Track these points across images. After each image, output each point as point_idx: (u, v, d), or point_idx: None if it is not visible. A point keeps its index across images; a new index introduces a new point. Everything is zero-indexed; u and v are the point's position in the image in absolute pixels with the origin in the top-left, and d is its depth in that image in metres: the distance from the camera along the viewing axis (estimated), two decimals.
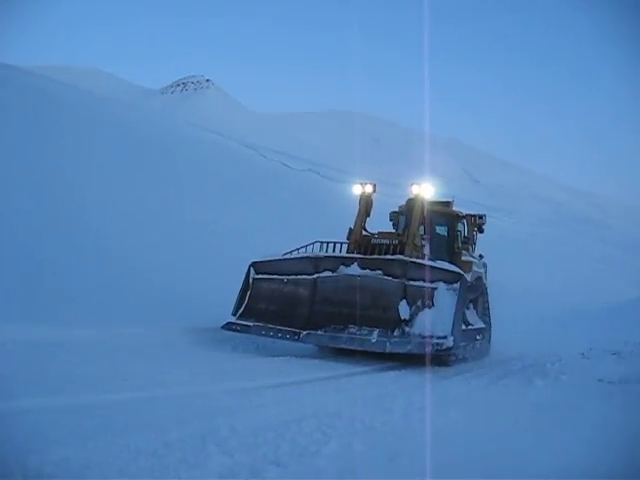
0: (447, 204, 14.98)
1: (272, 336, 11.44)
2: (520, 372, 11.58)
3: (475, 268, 14.29)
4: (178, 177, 29.27)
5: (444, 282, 10.85)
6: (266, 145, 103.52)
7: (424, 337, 10.42)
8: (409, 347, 10.49)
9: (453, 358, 11.90)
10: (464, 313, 12.62)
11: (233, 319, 11.72)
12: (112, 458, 4.27)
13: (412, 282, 11.13)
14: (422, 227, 13.28)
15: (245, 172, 39.23)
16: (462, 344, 11.78)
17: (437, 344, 10.19)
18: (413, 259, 11.47)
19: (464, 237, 14.67)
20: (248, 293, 12.01)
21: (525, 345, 16.08)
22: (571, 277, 45.95)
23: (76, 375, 7.14)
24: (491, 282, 16.09)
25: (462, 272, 11.20)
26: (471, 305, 13.89)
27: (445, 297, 10.68)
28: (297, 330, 11.30)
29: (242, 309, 11.87)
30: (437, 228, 14.33)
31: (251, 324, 11.55)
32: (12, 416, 5.20)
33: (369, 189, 13.27)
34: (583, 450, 5.76)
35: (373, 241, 12.61)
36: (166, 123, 56.84)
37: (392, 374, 10.13)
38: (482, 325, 14.17)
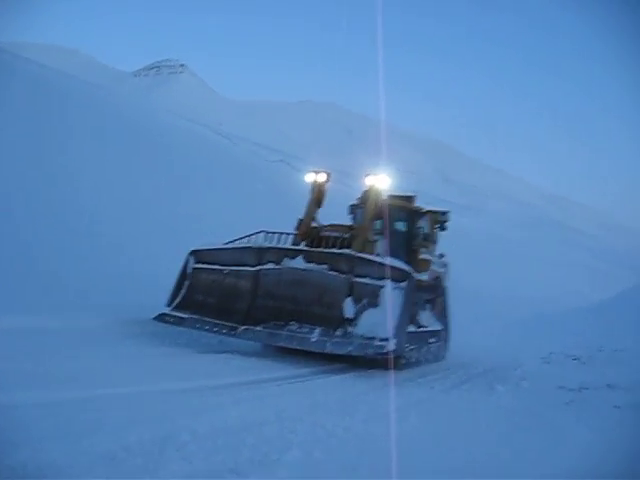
0: (409, 199, 14.31)
1: (207, 330, 10.72)
2: (482, 376, 11.65)
3: (434, 267, 13.76)
4: (168, 165, 29.29)
5: (391, 280, 10.12)
6: (239, 134, 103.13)
7: (366, 338, 9.85)
8: (350, 348, 9.83)
9: (403, 361, 11.23)
10: (416, 314, 12.28)
11: (167, 310, 11.05)
12: (70, 462, 4.18)
13: (358, 279, 10.43)
14: (380, 221, 12.81)
15: (219, 161, 39.06)
16: (410, 347, 11.30)
17: (378, 347, 9.59)
18: (360, 254, 10.73)
19: (424, 234, 13.99)
20: (186, 283, 11.35)
21: (487, 349, 16.28)
22: (536, 280, 46.52)
23: (28, 370, 6.85)
24: (454, 282, 15.93)
25: (410, 271, 10.42)
26: (428, 306, 13.54)
27: (391, 296, 9.97)
28: (235, 325, 10.62)
29: (178, 300, 11.20)
30: (396, 223, 13.64)
31: (186, 316, 10.86)
32: None
33: (322, 178, 12.50)
34: (541, 456, 5.88)
35: (323, 233, 11.86)
36: (146, 108, 56.42)
37: (352, 375, 9.81)
38: (438, 327, 13.78)
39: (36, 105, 25.34)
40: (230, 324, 10.64)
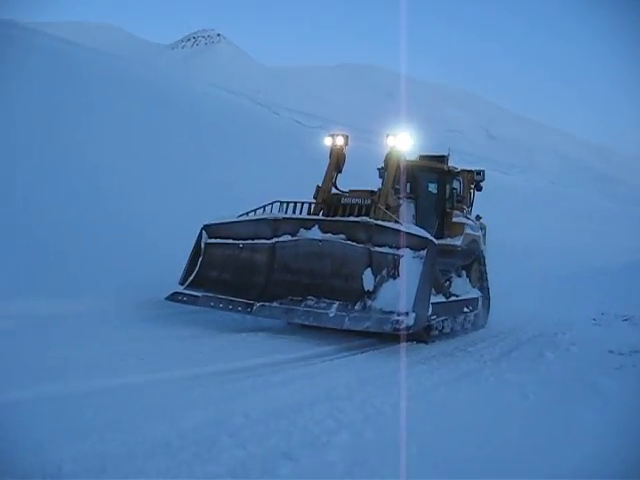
0: (441, 159, 13.23)
1: (222, 308, 10.33)
2: (531, 342, 11.52)
3: (469, 230, 12.89)
4: (197, 134, 28.94)
5: (411, 249, 9.48)
6: (279, 102, 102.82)
7: (385, 313, 9.30)
8: (367, 324, 9.28)
9: (435, 333, 10.92)
10: (449, 281, 12.12)
11: (180, 289, 10.62)
12: (129, 452, 4.28)
13: (378, 248, 9.82)
14: (408, 184, 12.22)
15: (253, 129, 38.54)
16: (439, 318, 10.79)
17: (396, 322, 8.97)
18: (378, 221, 10.03)
19: (458, 196, 13.18)
20: (199, 260, 10.83)
21: (536, 310, 15.99)
22: (582, 235, 45.72)
23: (78, 358, 6.97)
24: (501, 241, 15.43)
25: (431, 238, 9.68)
26: (463, 272, 13.18)
27: (411, 266, 9.32)
28: (250, 302, 10.20)
29: (192, 278, 10.73)
30: (429, 185, 12.95)
31: (200, 294, 10.46)
32: (13, 406, 5.12)
33: (340, 141, 11.75)
34: (583, 430, 5.76)
35: (343, 200, 11.06)
36: (180, 80, 56.17)
37: (397, 348, 9.54)
38: (474, 295, 13.12)
39: (56, 80, 24.98)
40: (246, 301, 10.27)
